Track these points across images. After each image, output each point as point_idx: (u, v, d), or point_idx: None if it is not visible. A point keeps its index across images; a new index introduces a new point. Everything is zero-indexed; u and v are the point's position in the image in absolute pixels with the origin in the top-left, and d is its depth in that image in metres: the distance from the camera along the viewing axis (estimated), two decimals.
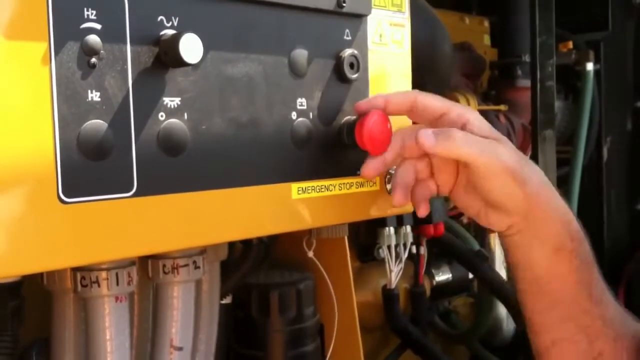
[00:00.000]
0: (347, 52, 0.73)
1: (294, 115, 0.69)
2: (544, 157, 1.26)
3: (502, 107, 1.45)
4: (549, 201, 0.70)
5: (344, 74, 0.72)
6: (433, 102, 0.71)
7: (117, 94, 0.55)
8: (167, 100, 0.59)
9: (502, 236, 0.73)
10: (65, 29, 0.52)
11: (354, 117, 0.73)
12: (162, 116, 0.58)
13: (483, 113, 0.95)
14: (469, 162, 0.67)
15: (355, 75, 0.73)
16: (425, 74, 0.77)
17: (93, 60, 0.53)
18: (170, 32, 0.58)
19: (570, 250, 0.70)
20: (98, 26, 0.54)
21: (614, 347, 0.71)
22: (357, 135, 0.71)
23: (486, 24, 1.64)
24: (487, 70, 1.56)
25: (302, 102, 0.70)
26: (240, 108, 0.64)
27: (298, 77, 0.69)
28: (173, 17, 0.59)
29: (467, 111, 0.70)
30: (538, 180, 0.70)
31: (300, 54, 0.69)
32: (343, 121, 0.73)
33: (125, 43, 0.56)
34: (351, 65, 0.73)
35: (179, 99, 0.59)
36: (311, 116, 0.70)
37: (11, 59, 0.49)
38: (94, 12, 0.54)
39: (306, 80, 0.70)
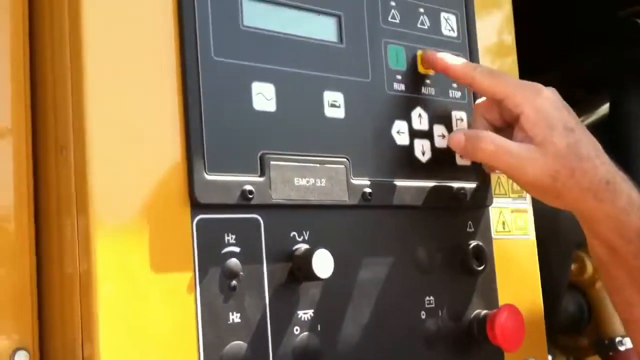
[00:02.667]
0: (472, 244, 0.72)
1: (422, 314, 0.68)
2: None
3: None
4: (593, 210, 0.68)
5: (470, 267, 0.72)
6: (492, 85, 0.69)
7: (255, 313, 0.57)
8: (300, 313, 0.60)
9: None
10: (209, 256, 0.55)
11: (484, 312, 0.71)
12: (296, 330, 0.59)
13: None
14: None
15: (481, 267, 0.72)
16: (547, 240, 0.75)
17: (233, 282, 0.56)
18: (302, 246, 0.60)
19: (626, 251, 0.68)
20: (237, 249, 0.57)
21: None
22: (488, 330, 0.69)
23: None
24: None
25: (430, 300, 0.69)
26: (370, 313, 0.64)
27: (424, 274, 0.69)
28: (304, 232, 0.61)
29: (525, 102, 0.67)
30: (578, 193, 0.66)
31: (425, 250, 0.69)
32: (472, 315, 0.71)
33: (262, 262, 0.58)
34: (477, 257, 0.72)
35: (312, 310, 0.60)
36: (440, 314, 0.69)
37: (159, 292, 0.53)
38: (234, 236, 0.57)
39: (432, 277, 0.70)
